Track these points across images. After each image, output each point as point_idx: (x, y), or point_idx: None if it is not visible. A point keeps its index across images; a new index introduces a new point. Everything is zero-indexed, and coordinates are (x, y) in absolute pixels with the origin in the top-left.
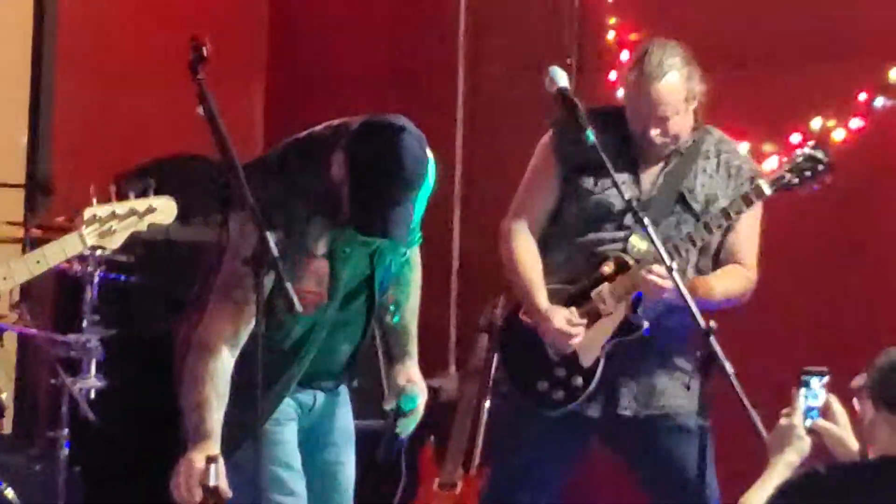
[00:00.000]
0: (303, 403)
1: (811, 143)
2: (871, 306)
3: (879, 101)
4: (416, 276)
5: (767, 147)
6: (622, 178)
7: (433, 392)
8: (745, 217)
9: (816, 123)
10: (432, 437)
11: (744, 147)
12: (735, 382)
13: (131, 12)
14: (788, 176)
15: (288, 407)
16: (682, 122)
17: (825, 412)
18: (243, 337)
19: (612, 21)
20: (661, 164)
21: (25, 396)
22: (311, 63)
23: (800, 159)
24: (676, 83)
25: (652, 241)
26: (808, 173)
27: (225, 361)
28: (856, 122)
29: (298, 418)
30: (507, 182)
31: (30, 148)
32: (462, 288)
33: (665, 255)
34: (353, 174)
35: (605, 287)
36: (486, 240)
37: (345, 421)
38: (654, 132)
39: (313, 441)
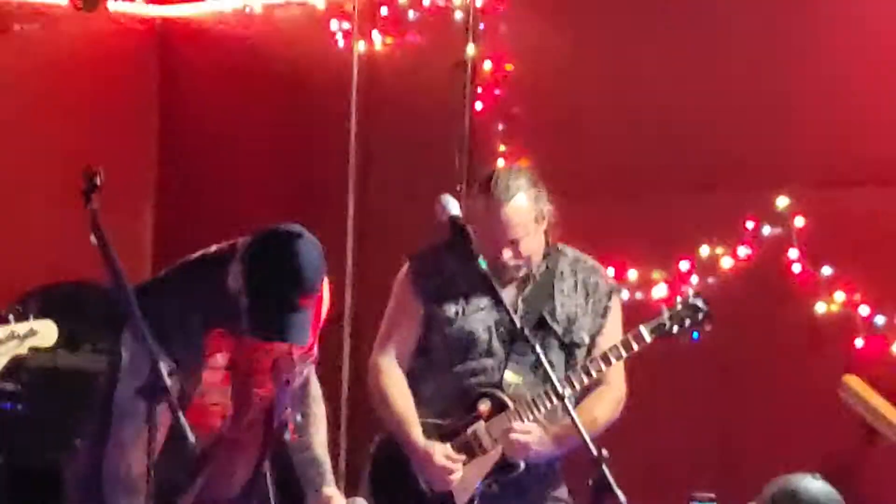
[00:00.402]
0: None
1: (691, 291)
2: (762, 432)
3: (766, 230)
4: (321, 411)
5: (656, 274)
6: (482, 302)
7: None
8: (607, 332)
9: (705, 251)
10: None
11: (660, 288)
12: None
13: (17, 140)
14: (669, 323)
15: None
16: (533, 243)
17: None
18: None
19: (502, 149)
20: (516, 290)
21: None
22: (199, 190)
23: (679, 307)
24: (524, 205)
25: (539, 362)
26: (688, 321)
27: None
28: (743, 250)
29: None
30: None
31: None
32: (352, 413)
33: (555, 380)
34: (251, 282)
35: (480, 426)
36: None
37: None
38: (507, 255)
39: None
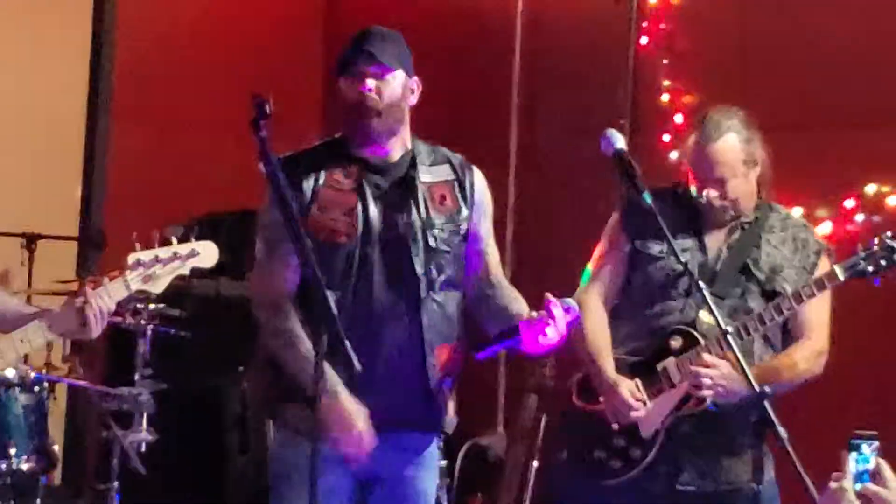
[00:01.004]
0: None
1: (889, 234)
2: None
3: None
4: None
5: (821, 212)
6: (687, 244)
7: (482, 450)
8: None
9: (871, 189)
10: (480, 495)
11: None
12: (789, 447)
13: (187, 66)
14: (863, 264)
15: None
16: (741, 187)
17: (875, 477)
18: None
19: (666, 84)
20: (725, 235)
21: (75, 449)
22: None
23: (876, 247)
24: (734, 144)
25: (711, 311)
26: (883, 262)
27: None
28: None
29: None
30: (557, 245)
31: (83, 201)
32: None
33: (718, 318)
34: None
35: (670, 361)
36: (537, 301)
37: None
38: (713, 194)
39: None
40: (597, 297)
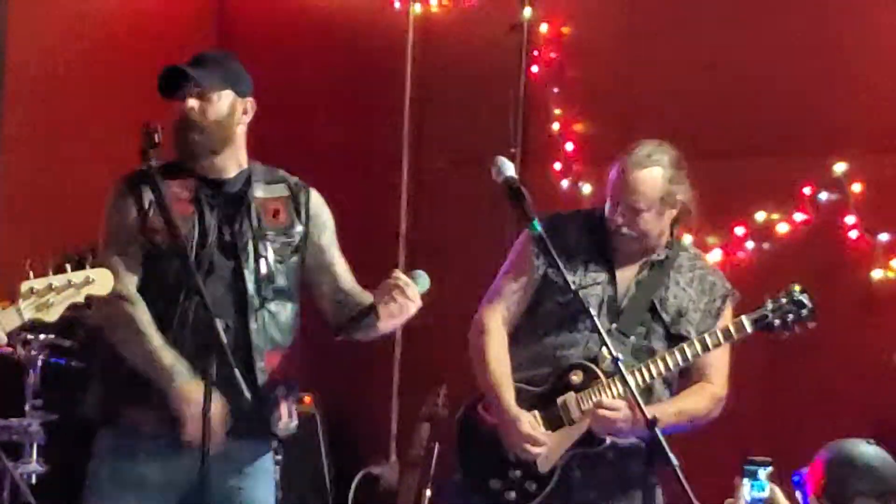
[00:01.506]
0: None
1: (797, 287)
2: (815, 397)
3: (823, 195)
4: None
5: (711, 239)
6: (599, 277)
7: (375, 479)
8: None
9: (760, 216)
10: None
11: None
12: (680, 474)
13: (75, 86)
14: (771, 316)
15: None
16: (652, 223)
17: (770, 502)
18: None
19: (557, 112)
20: (635, 271)
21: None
22: (255, 150)
23: (784, 301)
24: (657, 178)
25: (605, 344)
26: (791, 316)
27: None
28: (800, 216)
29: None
30: (449, 271)
31: None
32: (403, 376)
33: (610, 348)
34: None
35: (571, 396)
36: (428, 330)
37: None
38: (620, 219)
39: None
40: (499, 319)
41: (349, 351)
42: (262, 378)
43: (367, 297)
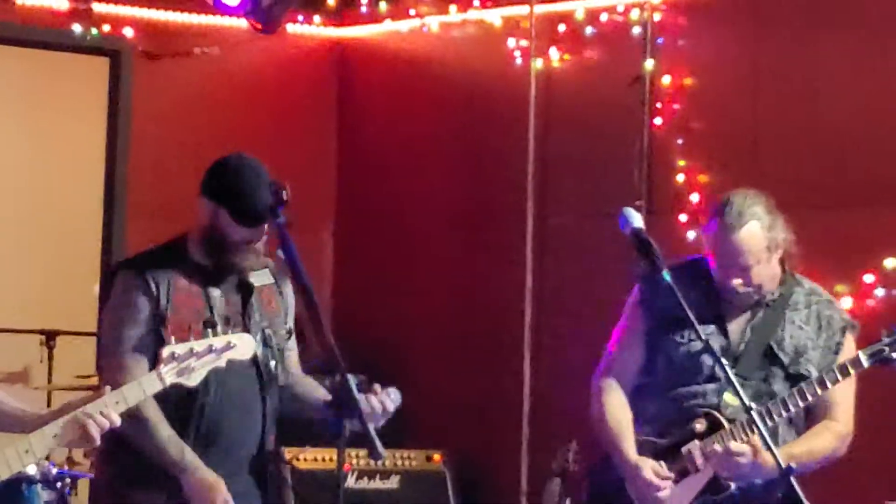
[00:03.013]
0: None
1: None
2: None
3: None
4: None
5: (840, 287)
6: (709, 329)
7: None
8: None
9: (890, 263)
10: None
11: (845, 301)
12: None
13: (200, 159)
14: (888, 350)
15: None
16: (764, 272)
17: None
18: None
19: (682, 163)
20: (748, 316)
21: None
22: (378, 209)
23: None
24: (757, 232)
25: (735, 391)
26: None
27: None
28: None
29: None
30: (577, 325)
31: (101, 297)
32: (533, 432)
33: (743, 396)
34: (220, 192)
35: (695, 444)
36: (557, 383)
37: None
38: (737, 282)
39: None
40: (615, 383)
41: (478, 408)
42: (267, 457)
43: (315, 387)
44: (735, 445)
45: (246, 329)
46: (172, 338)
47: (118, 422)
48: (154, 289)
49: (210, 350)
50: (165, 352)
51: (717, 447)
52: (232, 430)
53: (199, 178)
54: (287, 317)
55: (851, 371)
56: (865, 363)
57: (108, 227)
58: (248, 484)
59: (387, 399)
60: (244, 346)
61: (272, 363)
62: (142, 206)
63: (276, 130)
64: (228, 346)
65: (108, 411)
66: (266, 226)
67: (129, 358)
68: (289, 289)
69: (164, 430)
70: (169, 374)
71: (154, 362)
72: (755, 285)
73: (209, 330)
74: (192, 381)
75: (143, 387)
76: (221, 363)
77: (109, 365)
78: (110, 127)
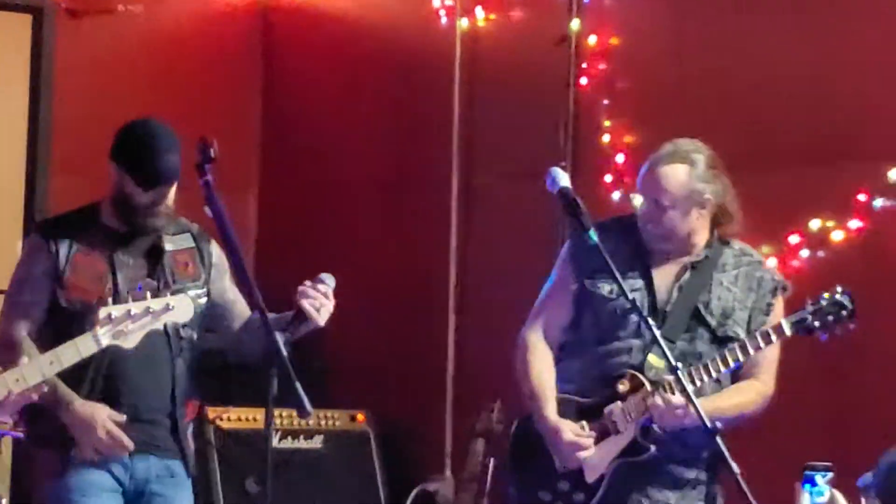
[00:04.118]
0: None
1: (839, 288)
2: (876, 402)
3: (878, 202)
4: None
5: (765, 248)
6: (636, 283)
7: (430, 496)
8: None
9: (815, 224)
10: None
11: (769, 263)
12: (742, 481)
13: (119, 121)
14: (811, 318)
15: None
16: (680, 222)
17: None
18: None
19: (607, 124)
20: (675, 276)
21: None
22: (302, 169)
23: (824, 303)
24: (681, 175)
25: (661, 351)
26: (831, 318)
27: None
28: (855, 223)
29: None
30: (501, 286)
31: None
32: (457, 392)
33: (670, 358)
34: (122, 157)
35: (617, 405)
36: (481, 344)
37: None
38: (644, 214)
39: None
40: (541, 335)
41: (401, 367)
42: (180, 413)
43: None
44: (675, 398)
45: (155, 292)
46: (109, 299)
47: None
48: (54, 249)
49: (147, 312)
50: (102, 313)
51: (659, 401)
52: (134, 386)
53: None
54: (213, 277)
55: (774, 339)
56: (788, 331)
57: (30, 185)
58: (166, 440)
59: (318, 289)
60: (182, 308)
61: (183, 327)
62: (65, 164)
63: (199, 89)
64: (167, 308)
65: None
66: (166, 188)
67: (21, 313)
68: (214, 249)
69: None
70: (105, 336)
71: (42, 323)
72: (665, 229)
73: (147, 293)
74: (129, 342)
75: (78, 348)
76: (158, 325)
77: (2, 316)
78: (33, 84)
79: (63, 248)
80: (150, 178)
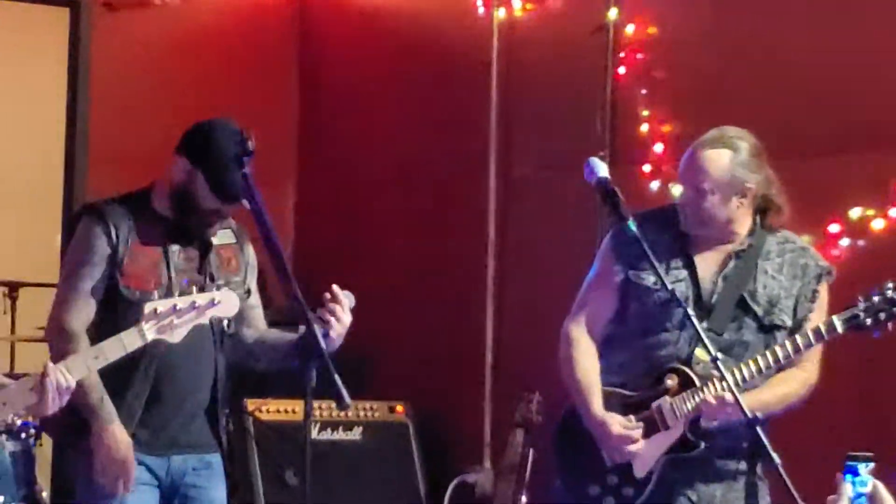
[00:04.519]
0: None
1: (891, 284)
2: None
3: None
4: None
5: (805, 238)
6: (680, 274)
7: (470, 487)
8: (815, 317)
9: (855, 213)
10: None
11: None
12: (783, 472)
13: (156, 113)
14: (863, 315)
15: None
16: (720, 207)
17: (872, 498)
18: None
19: (645, 113)
20: (719, 266)
21: (63, 495)
22: (340, 160)
23: (877, 299)
24: (724, 160)
25: (704, 345)
26: (883, 315)
27: None
28: (895, 211)
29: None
30: (540, 277)
31: (62, 250)
32: (496, 383)
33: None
34: (204, 161)
35: (665, 401)
36: (520, 335)
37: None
38: (683, 198)
39: None
40: (585, 330)
41: (440, 358)
42: (221, 407)
43: (282, 334)
44: (727, 396)
45: (202, 287)
46: (155, 293)
47: (73, 385)
48: (114, 233)
49: (193, 307)
50: (147, 308)
51: (710, 398)
52: (181, 381)
53: (159, 127)
54: (248, 276)
55: (825, 336)
56: (840, 329)
57: (69, 178)
58: (204, 435)
59: (337, 305)
60: (228, 303)
61: (226, 320)
62: (103, 157)
63: (236, 81)
64: (212, 304)
65: (67, 376)
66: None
67: (81, 298)
68: (250, 248)
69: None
70: (150, 331)
71: (103, 306)
72: (704, 215)
73: (193, 287)
74: (174, 337)
75: (123, 342)
76: (204, 320)
77: (59, 302)
78: (71, 77)
79: (122, 233)
80: (230, 189)
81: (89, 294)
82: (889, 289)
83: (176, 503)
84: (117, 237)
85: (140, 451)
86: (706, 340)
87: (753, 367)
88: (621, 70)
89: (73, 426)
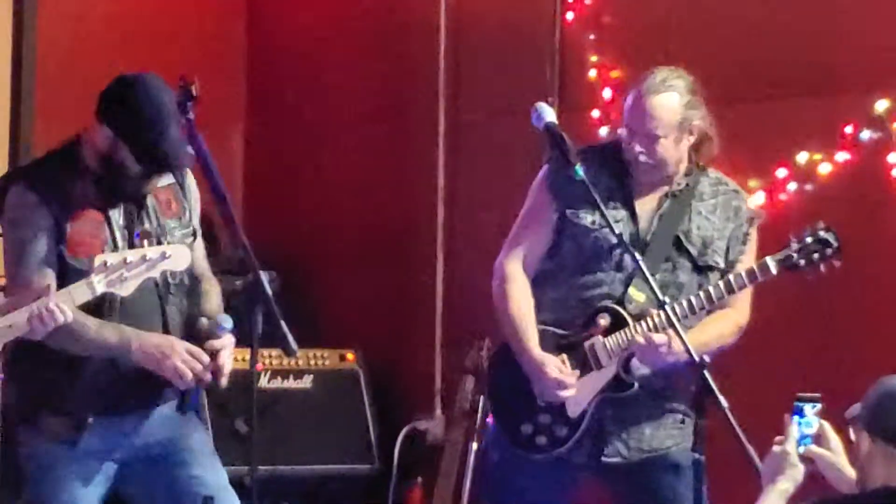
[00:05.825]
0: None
1: (822, 225)
2: (864, 334)
3: (865, 134)
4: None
5: (753, 183)
6: (619, 214)
7: (421, 434)
8: (746, 259)
9: (802, 157)
10: (420, 480)
11: (758, 196)
12: (730, 416)
13: (105, 62)
14: (796, 256)
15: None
16: (670, 150)
17: (819, 439)
18: None
19: (594, 59)
20: (656, 205)
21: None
22: (289, 107)
23: (809, 240)
24: (673, 104)
25: (648, 285)
26: (816, 255)
27: None
28: (842, 156)
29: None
30: (489, 224)
31: None
32: (446, 330)
33: (661, 297)
34: (122, 129)
35: (598, 340)
36: (470, 282)
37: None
38: (638, 148)
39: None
40: (520, 266)
41: (390, 307)
42: None
43: (207, 293)
44: (658, 337)
45: (157, 240)
46: (105, 247)
47: (69, 316)
48: (52, 202)
49: (144, 260)
50: (97, 261)
51: (641, 339)
52: None
53: (108, 77)
54: (192, 214)
55: (759, 276)
56: (774, 270)
57: (14, 133)
58: (165, 391)
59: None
60: (179, 256)
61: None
62: (49, 111)
63: (182, 23)
64: (163, 257)
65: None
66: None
67: (36, 274)
68: (191, 181)
69: (91, 321)
70: (100, 284)
71: (60, 275)
72: (658, 159)
73: (144, 241)
74: (124, 290)
75: (72, 296)
76: (155, 273)
77: (16, 282)
78: (16, 30)
79: (59, 200)
80: (155, 159)
81: (42, 266)
82: (821, 229)
83: (156, 468)
84: (56, 205)
85: (96, 416)
86: (651, 280)
87: (686, 306)
88: (569, 15)
89: (27, 405)
